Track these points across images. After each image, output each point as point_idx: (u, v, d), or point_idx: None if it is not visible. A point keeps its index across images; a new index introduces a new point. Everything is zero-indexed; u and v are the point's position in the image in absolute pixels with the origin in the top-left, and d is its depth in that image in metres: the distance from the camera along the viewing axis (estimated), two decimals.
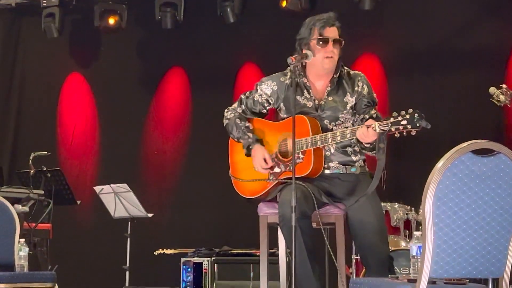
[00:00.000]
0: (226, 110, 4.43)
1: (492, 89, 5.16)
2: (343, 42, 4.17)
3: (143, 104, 8.91)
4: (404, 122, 3.69)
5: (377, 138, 3.81)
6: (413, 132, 3.70)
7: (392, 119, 3.73)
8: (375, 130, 3.78)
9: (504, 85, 5.16)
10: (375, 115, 4.10)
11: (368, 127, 3.80)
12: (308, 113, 4.18)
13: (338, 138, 3.97)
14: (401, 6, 7.85)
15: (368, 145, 3.99)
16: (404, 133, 3.72)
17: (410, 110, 3.69)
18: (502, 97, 5.10)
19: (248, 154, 4.27)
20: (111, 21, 8.69)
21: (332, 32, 4.15)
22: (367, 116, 4.10)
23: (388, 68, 7.85)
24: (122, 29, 8.75)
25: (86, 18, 8.94)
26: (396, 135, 3.76)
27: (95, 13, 8.70)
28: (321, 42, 4.12)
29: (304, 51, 4.13)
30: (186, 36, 8.70)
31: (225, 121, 4.40)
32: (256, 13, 8.42)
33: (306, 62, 4.17)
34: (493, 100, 5.15)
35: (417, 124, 3.67)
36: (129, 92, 8.94)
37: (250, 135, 4.27)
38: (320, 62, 4.14)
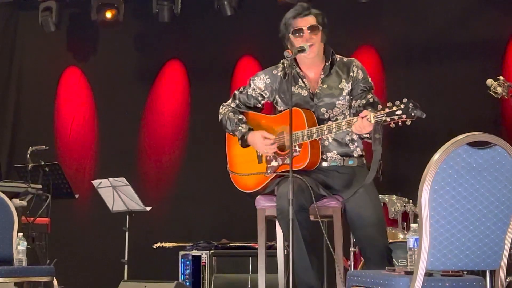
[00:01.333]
0: (221, 106, 4.47)
1: (490, 81, 5.16)
2: (320, 27, 4.17)
3: (141, 97, 8.90)
4: (399, 112, 3.70)
5: (373, 129, 3.82)
6: (408, 122, 3.71)
7: (387, 110, 3.74)
8: (370, 121, 3.79)
9: (501, 77, 5.16)
10: (371, 99, 4.11)
11: (362, 118, 3.80)
12: (305, 103, 4.19)
13: (334, 130, 3.98)
14: None
15: (366, 135, 4.01)
16: (400, 123, 3.74)
17: (405, 100, 3.71)
18: (499, 89, 5.10)
19: (244, 145, 4.28)
20: (109, 14, 8.68)
21: (305, 21, 4.15)
22: (364, 101, 4.12)
23: (385, 60, 7.86)
24: (120, 22, 8.73)
25: (83, 12, 8.93)
26: (391, 125, 3.77)
27: (92, 7, 8.69)
28: (296, 34, 4.15)
29: (292, 41, 4.13)
30: (184, 29, 8.69)
31: (220, 117, 4.43)
32: (253, 6, 8.42)
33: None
34: (491, 92, 5.15)
35: (412, 114, 3.68)
36: (126, 86, 8.93)
37: (244, 125, 4.30)
38: (303, 53, 4.14)
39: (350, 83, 4.20)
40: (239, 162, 4.37)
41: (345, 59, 4.30)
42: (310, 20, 4.16)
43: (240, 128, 4.30)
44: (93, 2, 8.69)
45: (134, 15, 8.99)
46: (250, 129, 4.29)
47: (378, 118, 3.77)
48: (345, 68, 4.24)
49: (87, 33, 9.18)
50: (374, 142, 3.86)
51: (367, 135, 3.98)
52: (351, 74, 4.21)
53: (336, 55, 4.29)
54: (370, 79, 4.26)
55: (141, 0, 8.86)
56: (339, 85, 4.20)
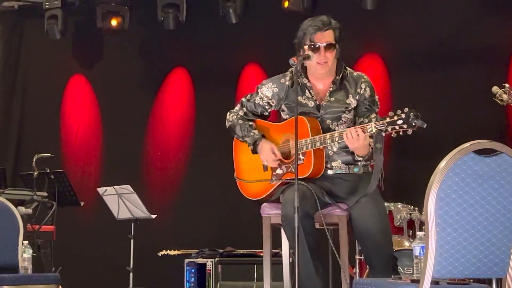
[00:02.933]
0: (228, 113, 4.45)
1: (495, 89, 5.14)
2: (337, 45, 4.13)
3: (146, 105, 8.91)
4: (400, 121, 3.72)
5: (374, 138, 3.83)
6: (409, 132, 3.71)
7: (388, 119, 3.75)
8: (371, 131, 3.81)
9: (507, 84, 5.15)
10: (374, 119, 4.09)
11: (356, 130, 3.82)
12: (310, 113, 4.19)
13: (337, 139, 3.98)
14: (403, 5, 7.84)
15: (360, 158, 4.05)
16: (401, 133, 3.74)
17: (406, 109, 3.71)
18: (505, 96, 5.08)
19: (255, 151, 4.27)
20: (114, 22, 8.69)
21: (324, 37, 4.10)
22: (366, 120, 4.10)
23: (390, 67, 7.85)
24: (125, 30, 8.75)
25: (89, 20, 8.95)
26: (392, 135, 3.77)
27: (98, 15, 8.70)
28: (312, 48, 4.10)
29: (306, 52, 4.12)
30: (189, 37, 8.71)
31: (227, 123, 4.42)
32: (258, 13, 8.43)
33: (306, 63, 4.17)
34: (496, 100, 5.14)
35: (413, 124, 3.69)
36: (132, 93, 8.94)
37: (256, 131, 4.29)
38: (313, 67, 4.15)
39: (356, 99, 4.20)
40: (245, 169, 4.37)
41: (355, 73, 4.28)
42: (329, 36, 4.10)
43: (252, 133, 4.28)
44: (98, 10, 8.70)
45: (139, 23, 9.01)
46: (263, 136, 4.28)
47: (379, 127, 3.78)
48: (354, 83, 4.23)
49: (92, 41, 9.20)
50: (375, 151, 3.86)
51: (361, 158, 4.05)
52: (359, 90, 4.20)
53: (347, 68, 4.28)
54: (377, 97, 4.25)
55: (146, 7, 8.87)
56: (346, 100, 4.20)
